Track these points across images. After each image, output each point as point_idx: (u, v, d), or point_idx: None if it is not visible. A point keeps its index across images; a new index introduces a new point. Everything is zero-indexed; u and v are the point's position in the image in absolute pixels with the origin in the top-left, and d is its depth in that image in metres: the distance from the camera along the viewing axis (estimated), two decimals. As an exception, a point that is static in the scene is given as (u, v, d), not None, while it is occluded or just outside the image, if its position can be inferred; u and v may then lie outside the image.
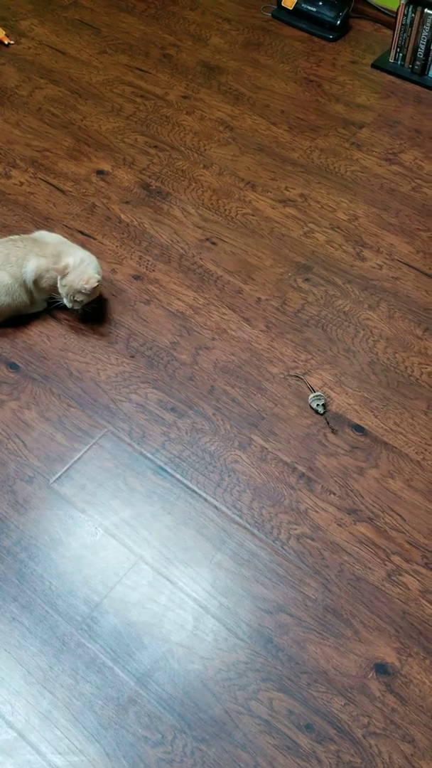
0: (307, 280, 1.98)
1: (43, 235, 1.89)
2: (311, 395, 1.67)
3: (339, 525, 1.52)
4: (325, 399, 1.69)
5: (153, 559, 1.47)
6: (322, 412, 1.66)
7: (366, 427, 1.67)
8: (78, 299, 1.76)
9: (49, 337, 1.83)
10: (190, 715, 1.29)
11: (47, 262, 1.77)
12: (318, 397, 1.67)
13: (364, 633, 1.38)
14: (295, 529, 1.52)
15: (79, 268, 1.74)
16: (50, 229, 2.07)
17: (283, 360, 1.80)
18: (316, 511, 1.54)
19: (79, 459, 1.61)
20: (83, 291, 1.74)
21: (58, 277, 1.75)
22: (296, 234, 2.10)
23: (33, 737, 1.26)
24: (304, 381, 1.66)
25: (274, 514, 1.54)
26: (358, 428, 1.66)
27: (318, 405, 1.67)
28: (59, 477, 1.58)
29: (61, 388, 1.73)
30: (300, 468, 1.61)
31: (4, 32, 2.70)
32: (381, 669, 1.34)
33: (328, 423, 1.63)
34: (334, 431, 1.61)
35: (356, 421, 1.68)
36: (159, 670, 1.34)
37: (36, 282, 1.79)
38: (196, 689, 1.32)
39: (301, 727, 1.28)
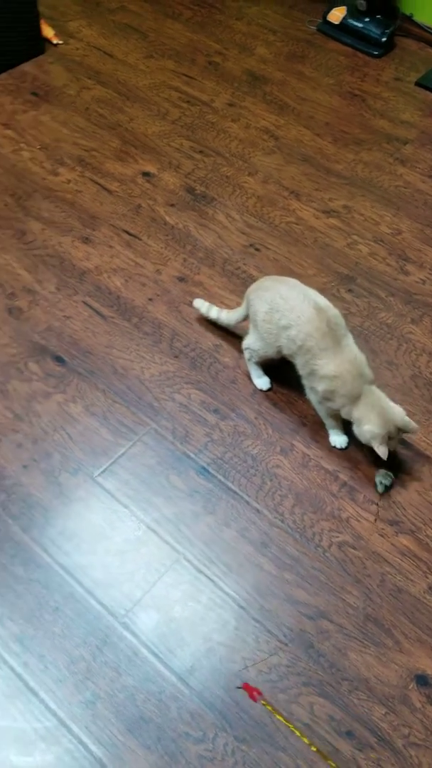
0: (350, 290, 2.00)
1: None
2: (380, 472, 1.57)
3: (381, 535, 1.53)
4: (392, 480, 1.59)
5: (195, 558, 1.48)
6: (380, 491, 1.58)
7: (408, 440, 1.68)
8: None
9: (95, 333, 1.85)
10: (231, 714, 1.30)
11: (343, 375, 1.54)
12: (386, 476, 1.58)
13: (405, 644, 1.39)
14: (337, 536, 1.52)
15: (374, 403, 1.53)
16: (96, 226, 2.10)
17: (325, 368, 1.81)
18: (358, 521, 1.55)
19: (123, 454, 1.62)
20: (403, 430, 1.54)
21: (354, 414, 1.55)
22: (340, 245, 2.12)
23: (74, 726, 1.27)
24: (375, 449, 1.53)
25: (315, 521, 1.55)
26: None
27: (381, 483, 1.58)
28: (103, 471, 1.59)
29: (106, 384, 1.75)
30: (342, 477, 1.62)
31: (53, 32, 2.73)
32: (422, 680, 1.35)
33: (378, 509, 1.55)
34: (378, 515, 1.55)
35: (398, 432, 1.69)
36: (201, 668, 1.34)
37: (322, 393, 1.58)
38: (238, 689, 1.32)
39: (342, 733, 1.28)
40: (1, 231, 2.06)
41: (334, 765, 1.24)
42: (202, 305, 1.85)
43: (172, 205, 2.19)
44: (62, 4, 2.94)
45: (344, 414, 1.57)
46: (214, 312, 1.83)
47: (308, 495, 1.58)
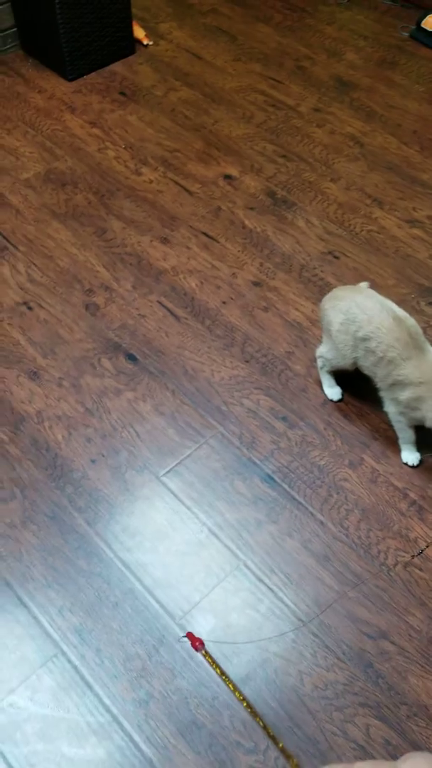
0: (430, 303, 1.94)
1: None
2: None
3: (449, 557, 1.48)
4: None
5: (255, 566, 1.47)
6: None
7: None
8: None
9: (167, 333, 1.86)
10: (284, 728, 1.27)
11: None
12: None
13: (468, 672, 1.34)
14: (403, 556, 1.48)
15: None
16: (175, 227, 2.11)
17: (400, 382, 1.76)
18: (426, 542, 1.50)
19: (188, 456, 1.62)
20: None
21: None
22: (422, 256, 2.06)
23: (127, 724, 1.27)
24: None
25: (381, 538, 1.51)
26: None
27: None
28: (168, 471, 1.60)
29: (175, 385, 1.75)
30: (412, 495, 1.57)
31: (144, 33, 2.77)
32: None
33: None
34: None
35: (472, 453, 1.63)
36: (255, 677, 1.33)
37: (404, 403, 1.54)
38: (292, 702, 1.30)
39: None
40: (83, 228, 2.10)
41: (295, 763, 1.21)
42: None
43: (252, 209, 2.19)
44: (155, 6, 2.98)
45: (429, 423, 1.52)
46: None
47: (375, 511, 1.55)
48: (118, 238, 2.08)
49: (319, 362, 1.71)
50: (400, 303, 1.93)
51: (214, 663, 1.28)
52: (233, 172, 2.30)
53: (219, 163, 2.33)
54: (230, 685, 1.26)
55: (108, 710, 1.29)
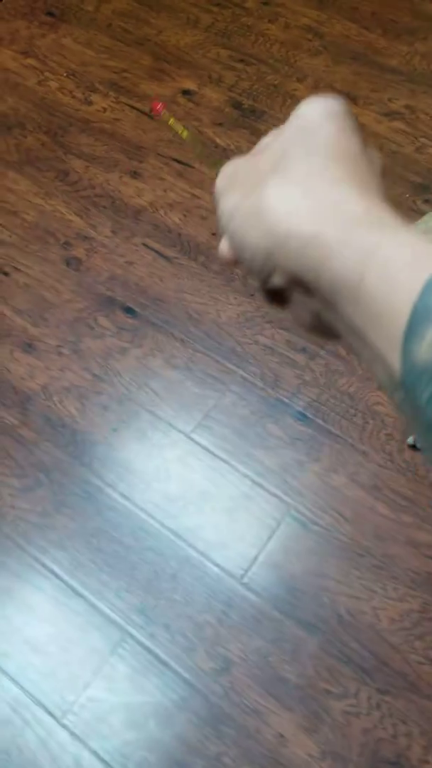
0: (426, 201, 1.84)
1: None
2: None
3: None
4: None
5: (306, 509, 1.42)
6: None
7: None
8: None
9: (161, 278, 1.73)
10: (369, 666, 1.26)
11: None
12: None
13: None
14: (453, 471, 1.45)
15: None
16: (142, 157, 1.93)
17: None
18: (473, 453, 1.46)
19: (214, 407, 1.54)
20: None
21: None
22: (408, 150, 1.94)
23: (212, 695, 1.24)
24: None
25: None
26: None
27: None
28: (197, 426, 1.51)
29: (183, 333, 1.64)
30: (449, 407, 1.52)
31: None
32: None
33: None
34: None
35: None
36: (330, 621, 1.30)
37: None
38: (372, 640, 1.28)
39: None
40: (43, 174, 1.91)
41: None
42: None
43: (220, 125, 2.01)
44: None
45: None
46: None
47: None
48: (83, 180, 1.90)
49: None
50: (397, 204, 1.82)
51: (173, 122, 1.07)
52: (191, 86, 2.10)
53: (173, 78, 2.12)
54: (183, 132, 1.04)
55: (190, 685, 1.25)
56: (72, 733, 1.22)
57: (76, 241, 1.79)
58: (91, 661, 1.27)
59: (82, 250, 1.77)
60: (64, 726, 1.22)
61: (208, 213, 1.83)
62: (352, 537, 1.38)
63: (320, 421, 1.52)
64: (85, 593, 1.33)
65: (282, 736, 1.21)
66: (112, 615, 1.31)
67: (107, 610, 1.31)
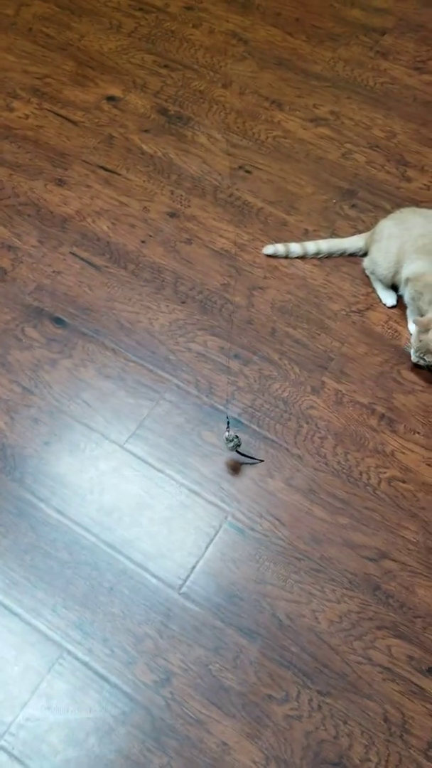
0: (353, 206, 1.87)
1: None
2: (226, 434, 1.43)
3: (429, 465, 1.48)
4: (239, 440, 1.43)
5: (243, 515, 1.42)
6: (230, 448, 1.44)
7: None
8: (428, 359, 1.53)
9: (90, 287, 1.70)
10: (310, 669, 1.27)
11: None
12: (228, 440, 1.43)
13: (470, 571, 1.37)
14: (384, 472, 1.47)
15: None
16: (67, 164, 1.90)
17: (342, 295, 1.71)
18: (403, 453, 1.50)
19: (147, 416, 1.52)
20: None
21: (416, 329, 1.53)
22: (334, 156, 1.97)
23: (154, 708, 1.23)
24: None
25: (360, 459, 1.49)
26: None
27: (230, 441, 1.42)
28: (131, 436, 1.50)
29: (114, 342, 1.62)
30: (379, 409, 1.55)
31: None
32: None
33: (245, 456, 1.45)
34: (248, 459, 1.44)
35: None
36: (270, 626, 1.30)
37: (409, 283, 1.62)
38: (312, 643, 1.29)
39: (424, 671, 1.27)
40: (-35, 182, 1.86)
41: None
42: (277, 250, 1.74)
43: (147, 131, 2.00)
44: None
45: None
46: (297, 249, 1.74)
47: (348, 433, 1.52)
48: (7, 188, 1.86)
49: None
50: (322, 211, 1.85)
51: None
52: (115, 92, 2.08)
53: (97, 83, 2.10)
54: None
55: (131, 698, 1.23)
56: (11, 755, 1.18)
57: (1, 252, 1.75)
58: (28, 679, 1.24)
59: (7, 261, 1.73)
60: (1, 747, 1.19)
61: (136, 221, 1.82)
62: (290, 541, 1.39)
63: (255, 427, 1.52)
64: (20, 611, 1.30)
65: (225, 744, 1.20)
66: (49, 632, 1.28)
67: (44, 628, 1.28)
